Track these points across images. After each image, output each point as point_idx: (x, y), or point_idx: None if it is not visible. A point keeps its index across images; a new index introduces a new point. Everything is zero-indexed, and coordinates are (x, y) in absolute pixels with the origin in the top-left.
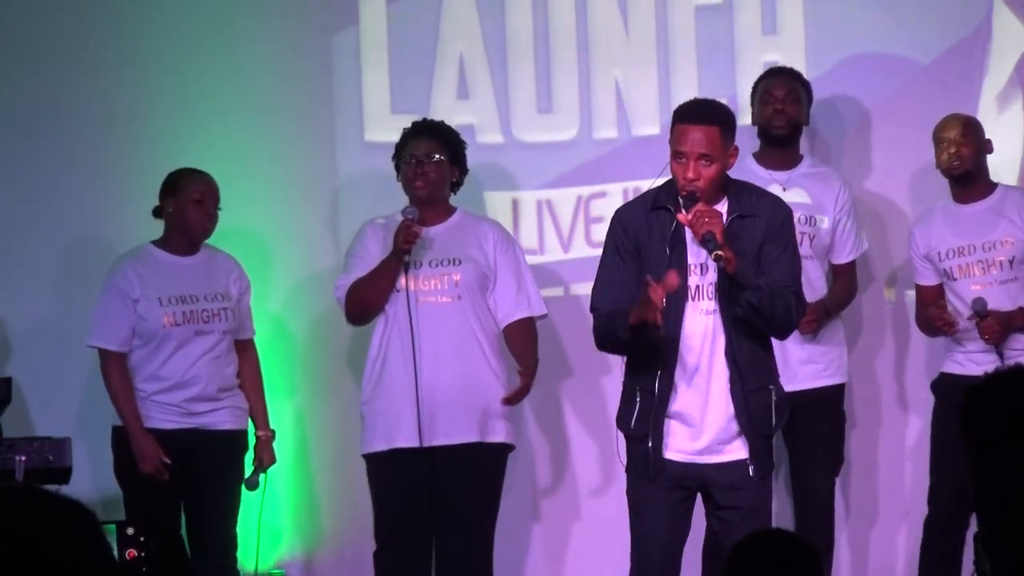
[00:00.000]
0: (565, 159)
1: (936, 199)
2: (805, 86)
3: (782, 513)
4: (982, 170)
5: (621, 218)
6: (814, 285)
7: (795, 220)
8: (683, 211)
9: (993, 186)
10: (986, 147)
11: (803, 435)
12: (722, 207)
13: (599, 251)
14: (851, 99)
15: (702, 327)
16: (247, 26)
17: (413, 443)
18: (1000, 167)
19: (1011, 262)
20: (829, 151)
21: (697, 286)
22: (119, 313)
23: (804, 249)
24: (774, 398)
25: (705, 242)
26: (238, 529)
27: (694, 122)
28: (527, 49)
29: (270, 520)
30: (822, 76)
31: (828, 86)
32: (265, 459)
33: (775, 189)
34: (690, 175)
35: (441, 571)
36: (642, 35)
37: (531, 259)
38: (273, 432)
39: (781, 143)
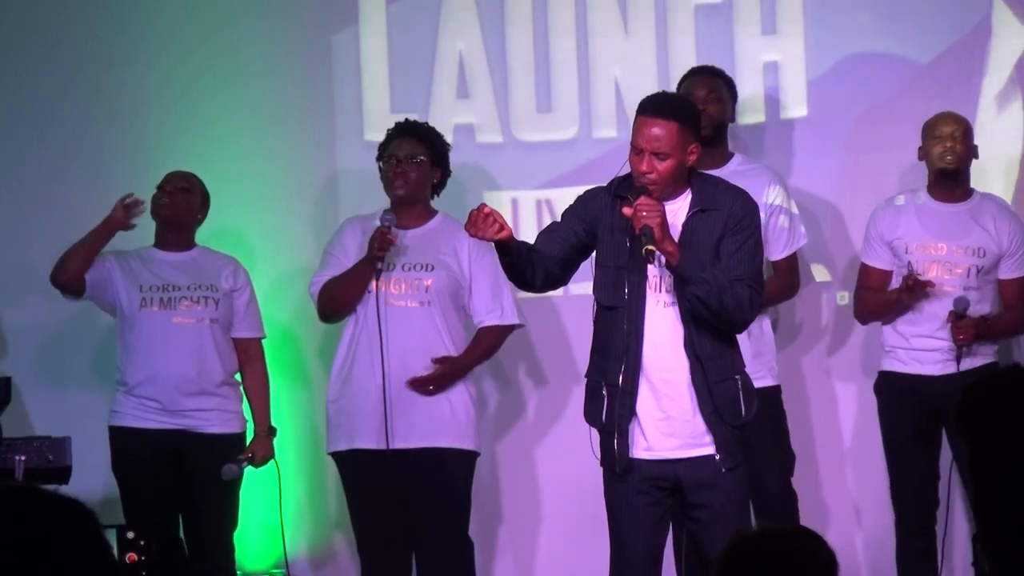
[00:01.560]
0: (565, 158)
1: (904, 191)
2: (728, 84)
3: None
4: (967, 173)
5: (588, 196)
6: None
7: None
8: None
9: (971, 191)
10: (973, 152)
11: (748, 438)
12: (684, 200)
13: None
14: (851, 98)
15: (663, 320)
16: (247, 26)
17: (375, 444)
18: (1000, 166)
19: (978, 270)
20: (828, 150)
21: (659, 277)
22: (101, 263)
23: None
24: (741, 387)
25: (641, 236)
26: (241, 528)
27: (651, 115)
28: (527, 48)
29: (268, 521)
30: (822, 75)
31: (828, 85)
32: (258, 453)
33: None
34: (643, 168)
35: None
36: (642, 34)
37: None
38: (274, 429)
39: (705, 143)
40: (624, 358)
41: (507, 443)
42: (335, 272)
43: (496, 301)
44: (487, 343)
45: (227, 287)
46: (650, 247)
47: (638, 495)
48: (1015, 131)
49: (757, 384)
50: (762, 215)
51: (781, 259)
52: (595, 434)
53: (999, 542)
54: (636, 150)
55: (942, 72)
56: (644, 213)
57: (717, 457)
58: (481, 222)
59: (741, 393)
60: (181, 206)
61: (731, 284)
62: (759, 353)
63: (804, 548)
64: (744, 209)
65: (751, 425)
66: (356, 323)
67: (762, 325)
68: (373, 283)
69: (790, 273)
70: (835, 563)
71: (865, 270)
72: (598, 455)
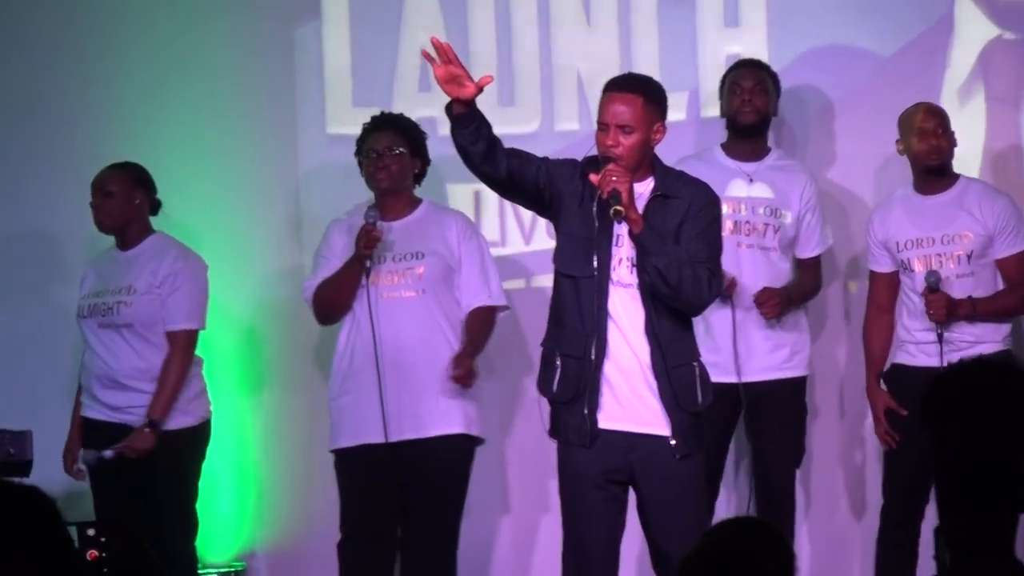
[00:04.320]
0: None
1: (897, 190)
2: (773, 78)
3: (743, 505)
4: (951, 162)
5: (559, 160)
6: (782, 278)
7: (760, 212)
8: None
9: (955, 177)
10: (953, 140)
11: (765, 427)
12: (647, 186)
13: None
14: (813, 91)
15: (624, 300)
16: (209, 20)
17: (378, 439)
18: (963, 159)
19: (968, 256)
20: (791, 143)
21: (621, 259)
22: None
23: (770, 241)
24: (698, 373)
25: (609, 198)
26: (201, 520)
27: (616, 90)
28: (489, 41)
29: (232, 513)
30: (784, 68)
31: (790, 78)
32: (132, 445)
33: (742, 180)
34: (609, 142)
35: (405, 562)
36: (604, 27)
37: (493, 251)
38: (155, 424)
39: (749, 133)
40: (594, 333)
41: (510, 432)
42: (326, 275)
43: (483, 283)
44: (481, 323)
45: (144, 285)
46: (618, 208)
47: (595, 490)
48: (978, 123)
49: (789, 374)
50: (795, 212)
51: (811, 258)
52: (545, 406)
53: (962, 535)
54: (602, 126)
55: (905, 65)
56: (614, 178)
57: (672, 442)
58: (443, 55)
59: (698, 379)
60: (108, 213)
61: (691, 263)
62: (794, 343)
63: (759, 543)
64: (706, 199)
65: (769, 411)
66: (353, 320)
67: (799, 317)
68: (365, 279)
69: (817, 272)
70: (792, 554)
71: (871, 277)
72: (547, 426)
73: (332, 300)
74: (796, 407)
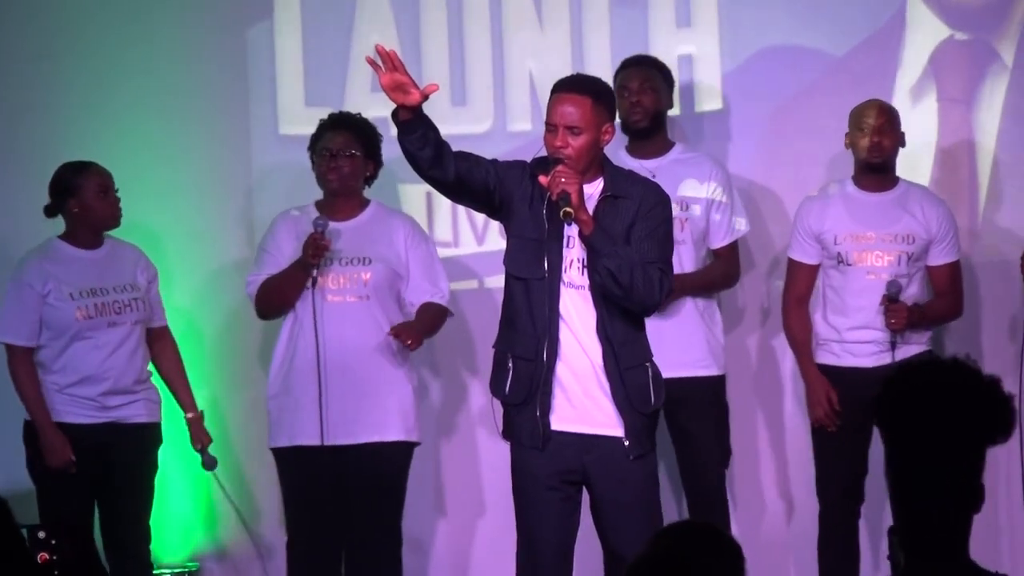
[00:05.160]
0: (479, 152)
1: (831, 184)
2: (662, 71)
3: (670, 508)
4: (894, 162)
5: (508, 162)
6: (686, 270)
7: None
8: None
9: (896, 179)
10: (901, 140)
11: (688, 428)
12: (597, 186)
13: None
14: (765, 92)
15: (575, 301)
16: (161, 19)
17: (315, 441)
18: (914, 159)
19: (908, 257)
20: (743, 142)
21: (572, 260)
22: (26, 308)
23: (678, 234)
24: (651, 374)
25: (559, 200)
26: (156, 520)
27: (565, 91)
28: (441, 41)
29: (183, 512)
30: (736, 69)
31: (742, 79)
32: (204, 439)
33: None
34: (558, 143)
35: (350, 565)
36: (556, 27)
37: (445, 252)
38: (201, 412)
39: (643, 135)
40: (545, 335)
41: (450, 434)
42: (271, 271)
43: (433, 284)
44: (431, 315)
45: (143, 282)
46: (568, 209)
47: (548, 491)
48: (929, 124)
49: (705, 372)
50: (703, 202)
51: (722, 247)
52: (498, 407)
53: (914, 534)
54: (550, 128)
55: (857, 65)
56: (563, 180)
57: (626, 443)
58: (388, 62)
59: (651, 380)
60: (118, 215)
61: (642, 264)
62: (707, 342)
63: (708, 547)
64: (656, 198)
65: (690, 412)
66: (295, 320)
67: (713, 313)
68: (310, 285)
69: (730, 261)
70: (740, 557)
71: (793, 266)
72: (500, 427)
73: (275, 301)
74: (717, 407)
